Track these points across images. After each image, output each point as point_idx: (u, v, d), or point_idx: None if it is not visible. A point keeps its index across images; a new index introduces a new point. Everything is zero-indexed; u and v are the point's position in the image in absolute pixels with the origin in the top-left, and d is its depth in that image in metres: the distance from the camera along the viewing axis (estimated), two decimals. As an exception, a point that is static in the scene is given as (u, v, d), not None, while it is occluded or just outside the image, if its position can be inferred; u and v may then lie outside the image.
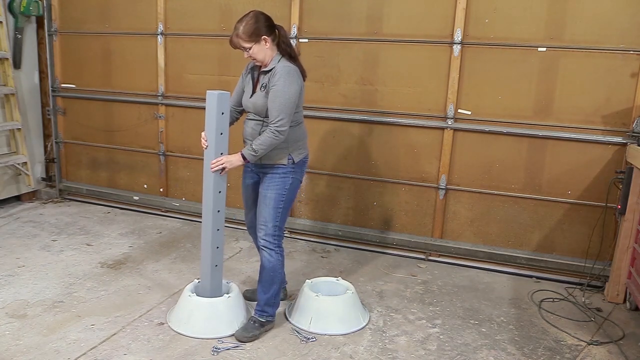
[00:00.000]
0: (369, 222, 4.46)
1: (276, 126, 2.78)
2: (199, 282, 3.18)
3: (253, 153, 2.83)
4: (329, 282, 3.34)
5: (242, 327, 2.99)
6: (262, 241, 2.96)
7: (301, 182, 3.10)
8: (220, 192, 2.97)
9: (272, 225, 2.93)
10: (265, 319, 3.02)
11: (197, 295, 3.08)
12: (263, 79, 2.90)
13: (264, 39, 2.82)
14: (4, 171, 5.11)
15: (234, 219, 4.62)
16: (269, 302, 3.01)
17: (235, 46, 2.86)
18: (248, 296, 3.37)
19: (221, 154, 2.91)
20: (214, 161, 2.88)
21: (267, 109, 2.83)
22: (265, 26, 2.84)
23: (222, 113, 2.86)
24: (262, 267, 3.00)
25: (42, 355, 2.73)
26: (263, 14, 2.89)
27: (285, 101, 2.78)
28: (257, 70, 2.97)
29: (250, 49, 2.81)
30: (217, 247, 3.05)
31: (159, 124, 5.02)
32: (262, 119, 2.90)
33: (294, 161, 2.94)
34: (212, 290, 3.08)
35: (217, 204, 2.98)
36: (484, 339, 3.08)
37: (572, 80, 3.77)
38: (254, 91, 2.95)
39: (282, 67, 2.83)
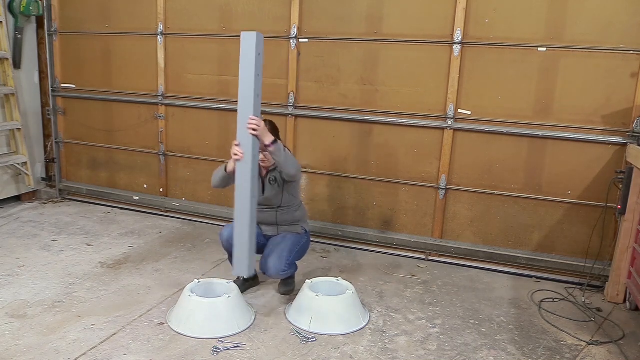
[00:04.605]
0: (369, 222, 4.46)
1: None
2: (199, 282, 3.18)
3: (281, 149, 3.07)
4: (329, 282, 3.34)
5: (281, 285, 3.50)
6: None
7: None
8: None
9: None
10: (292, 273, 3.55)
11: (197, 295, 3.08)
12: (272, 174, 3.35)
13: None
14: (4, 171, 5.11)
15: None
16: (293, 273, 3.55)
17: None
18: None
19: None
20: (253, 117, 2.90)
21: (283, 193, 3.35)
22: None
23: (259, 54, 2.87)
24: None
25: (42, 355, 2.73)
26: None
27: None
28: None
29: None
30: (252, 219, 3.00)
31: (159, 124, 5.02)
32: (275, 207, 3.40)
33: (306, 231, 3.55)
34: (249, 267, 3.03)
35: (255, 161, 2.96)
36: (484, 339, 3.08)
37: (572, 81, 3.77)
38: (263, 187, 3.36)
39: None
